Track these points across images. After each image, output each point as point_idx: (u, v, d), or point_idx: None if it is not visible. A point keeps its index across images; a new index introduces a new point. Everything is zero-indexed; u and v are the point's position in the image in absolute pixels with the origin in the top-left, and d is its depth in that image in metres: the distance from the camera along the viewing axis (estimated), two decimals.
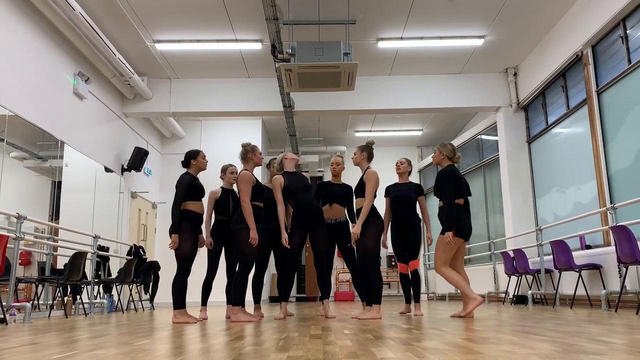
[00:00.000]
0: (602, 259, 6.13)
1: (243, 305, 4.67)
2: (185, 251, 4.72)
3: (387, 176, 13.91)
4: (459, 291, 10.75)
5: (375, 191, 4.87)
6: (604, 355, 1.90)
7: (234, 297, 4.60)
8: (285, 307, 4.98)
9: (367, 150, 5.00)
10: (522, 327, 3.33)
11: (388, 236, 5.48)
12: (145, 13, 7.21)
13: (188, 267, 4.77)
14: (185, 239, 4.74)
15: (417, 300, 5.46)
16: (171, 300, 5.62)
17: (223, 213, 5.37)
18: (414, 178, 13.87)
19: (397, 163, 5.69)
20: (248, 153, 4.85)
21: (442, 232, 4.56)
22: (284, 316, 4.89)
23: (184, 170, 5.00)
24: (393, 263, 13.26)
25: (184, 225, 4.75)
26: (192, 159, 4.96)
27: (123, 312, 7.50)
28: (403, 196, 5.47)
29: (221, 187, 5.48)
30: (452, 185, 4.57)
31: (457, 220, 4.55)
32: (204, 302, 5.40)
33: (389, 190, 5.63)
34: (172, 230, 4.69)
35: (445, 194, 4.57)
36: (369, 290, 4.78)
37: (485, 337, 2.64)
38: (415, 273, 5.43)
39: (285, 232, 4.87)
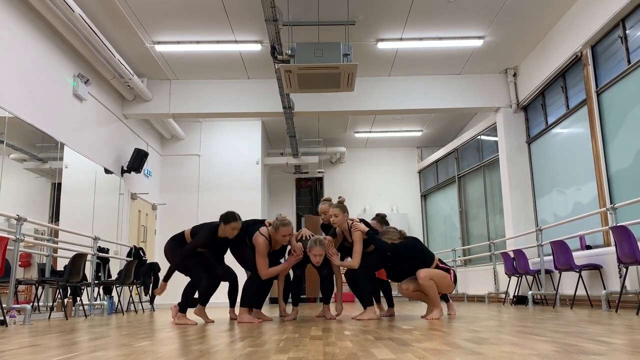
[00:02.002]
0: (602, 260, 6.14)
1: (251, 308, 4.68)
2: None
3: (386, 177, 13.97)
4: (458, 291, 10.74)
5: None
6: (605, 355, 1.90)
7: (243, 299, 4.65)
8: (296, 310, 5.02)
9: (346, 209, 4.83)
10: (522, 327, 3.32)
11: None
12: (145, 14, 7.22)
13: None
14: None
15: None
16: (171, 302, 5.59)
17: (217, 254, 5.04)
18: (415, 179, 13.88)
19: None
20: (276, 228, 4.67)
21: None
22: (294, 317, 4.94)
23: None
24: None
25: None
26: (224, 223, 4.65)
27: (123, 314, 7.50)
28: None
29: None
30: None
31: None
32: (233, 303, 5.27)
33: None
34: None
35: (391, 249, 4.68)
36: (360, 292, 4.82)
37: (486, 338, 2.64)
38: None
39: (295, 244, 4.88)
